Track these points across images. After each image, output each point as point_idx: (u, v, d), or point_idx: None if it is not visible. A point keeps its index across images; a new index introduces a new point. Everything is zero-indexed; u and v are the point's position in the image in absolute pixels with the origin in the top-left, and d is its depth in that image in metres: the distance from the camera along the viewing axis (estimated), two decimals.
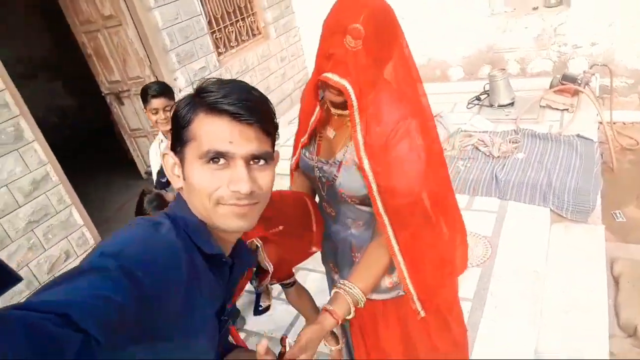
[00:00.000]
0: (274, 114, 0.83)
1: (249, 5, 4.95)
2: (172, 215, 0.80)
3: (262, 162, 0.80)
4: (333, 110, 1.28)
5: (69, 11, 3.91)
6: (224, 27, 4.62)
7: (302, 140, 1.39)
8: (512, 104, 4.21)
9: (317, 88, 1.25)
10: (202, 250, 0.78)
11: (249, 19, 4.97)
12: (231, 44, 4.74)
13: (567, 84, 4.01)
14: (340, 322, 1.17)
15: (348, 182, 1.27)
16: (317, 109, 1.34)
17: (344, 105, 1.20)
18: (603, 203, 3.12)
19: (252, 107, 0.76)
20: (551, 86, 4.15)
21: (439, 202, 1.34)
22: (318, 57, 1.19)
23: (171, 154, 0.82)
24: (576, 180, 3.08)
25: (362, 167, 1.19)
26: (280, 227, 1.33)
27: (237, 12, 4.80)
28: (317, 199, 1.51)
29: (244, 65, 4.79)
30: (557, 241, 2.77)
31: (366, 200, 1.28)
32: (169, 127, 2.29)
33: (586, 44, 4.38)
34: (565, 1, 4.42)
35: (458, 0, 4.77)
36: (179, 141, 0.79)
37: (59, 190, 3.10)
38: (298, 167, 1.48)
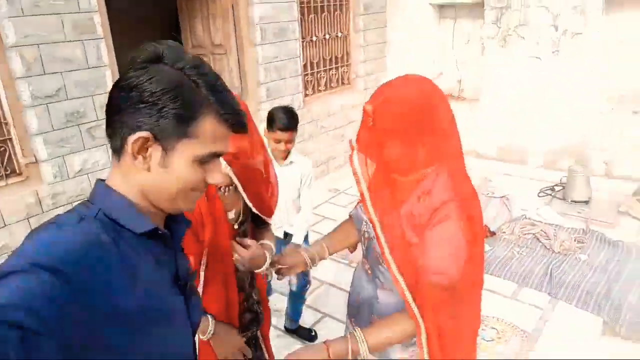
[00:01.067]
0: None
1: (346, 57, 5.24)
2: (93, 203, 0.79)
3: None
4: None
5: (186, 33, 4.40)
6: (317, 71, 4.92)
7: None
8: (587, 202, 4.01)
9: None
10: (133, 230, 0.78)
11: (342, 68, 5.25)
12: (319, 88, 5.02)
13: None
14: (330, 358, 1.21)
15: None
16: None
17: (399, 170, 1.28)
18: None
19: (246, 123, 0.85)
20: (634, 193, 3.91)
21: (469, 286, 1.32)
22: None
23: (150, 136, 0.74)
24: (639, 298, 2.84)
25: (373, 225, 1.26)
26: None
27: (334, 60, 5.10)
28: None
29: (327, 109, 5.03)
30: (605, 356, 2.55)
31: None
32: (286, 155, 2.38)
33: None
34: None
35: (556, 88, 4.70)
36: (173, 131, 0.74)
37: None
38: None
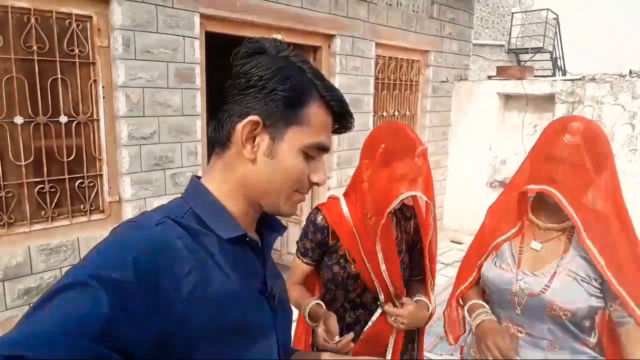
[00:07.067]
0: None
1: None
2: (185, 200, 0.76)
3: None
4: (541, 224, 1.36)
5: None
6: None
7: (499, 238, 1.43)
8: None
9: (525, 201, 1.38)
10: (219, 235, 0.73)
11: None
12: None
13: None
14: None
15: (563, 292, 1.25)
16: (519, 224, 1.40)
17: (555, 217, 1.30)
18: None
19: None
20: None
21: None
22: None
23: (259, 120, 0.72)
24: None
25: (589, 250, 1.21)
26: None
27: None
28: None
29: None
30: None
31: (578, 316, 1.24)
32: None
33: None
34: None
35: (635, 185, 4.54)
36: (282, 116, 0.72)
37: None
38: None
